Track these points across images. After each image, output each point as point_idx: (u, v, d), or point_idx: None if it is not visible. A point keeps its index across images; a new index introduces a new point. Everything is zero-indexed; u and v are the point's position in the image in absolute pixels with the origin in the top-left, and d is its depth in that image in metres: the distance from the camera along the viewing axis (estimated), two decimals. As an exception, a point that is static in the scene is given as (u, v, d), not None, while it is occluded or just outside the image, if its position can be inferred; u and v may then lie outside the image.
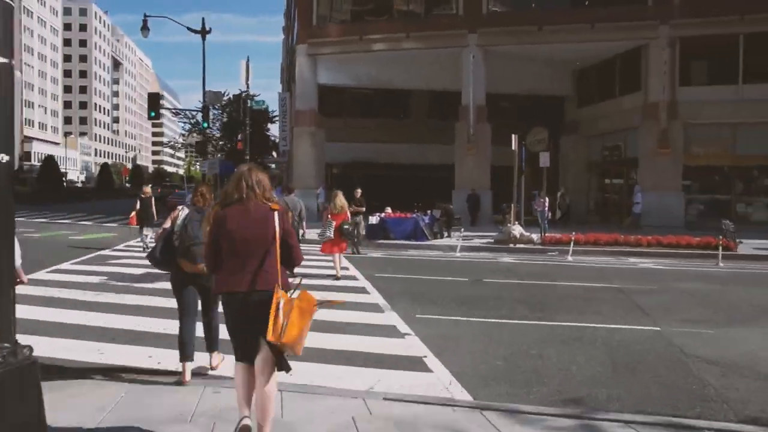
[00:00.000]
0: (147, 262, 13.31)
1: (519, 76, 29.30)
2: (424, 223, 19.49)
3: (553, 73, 30.14)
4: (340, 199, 12.08)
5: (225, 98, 46.95)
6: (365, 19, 29.11)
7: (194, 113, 40.06)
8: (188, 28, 27.66)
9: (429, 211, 20.95)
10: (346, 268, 13.19)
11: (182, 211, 5.24)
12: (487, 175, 26.33)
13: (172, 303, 9.03)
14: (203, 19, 27.26)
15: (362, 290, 10.37)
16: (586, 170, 31.00)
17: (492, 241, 18.79)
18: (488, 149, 26.19)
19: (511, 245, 18.10)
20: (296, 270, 4.49)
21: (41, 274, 11.18)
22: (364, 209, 16.47)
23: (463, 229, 18.27)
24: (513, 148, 18.91)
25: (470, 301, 9.49)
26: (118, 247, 16.99)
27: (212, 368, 5.59)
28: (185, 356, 5.21)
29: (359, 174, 32.90)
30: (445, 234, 20.25)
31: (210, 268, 3.73)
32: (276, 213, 3.56)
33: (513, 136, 19.02)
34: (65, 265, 12.85)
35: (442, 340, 7.07)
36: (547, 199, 20.42)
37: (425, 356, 6.35)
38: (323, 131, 29.21)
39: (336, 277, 11.35)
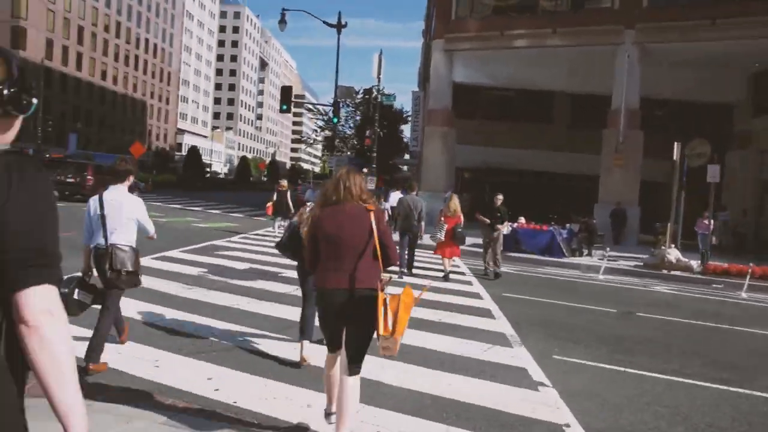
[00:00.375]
0: (253, 257, 12.56)
1: (678, 80, 25.84)
2: (561, 237, 17.25)
3: (721, 76, 26.21)
4: (454, 203, 11.89)
5: (359, 97, 46.98)
6: (508, 14, 27.05)
7: (327, 110, 40.11)
8: (324, 22, 27.23)
9: (567, 225, 18.63)
10: (469, 283, 11.51)
11: (309, 208, 5.44)
12: (636, 188, 23.26)
13: (262, 308, 7.93)
14: (339, 13, 26.66)
15: (487, 313, 8.58)
16: (759, 190, 26.61)
17: (641, 264, 16.16)
18: (639, 160, 23.13)
19: (665, 271, 15.40)
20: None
21: (145, 260, 10.50)
22: (507, 224, 13.04)
23: (609, 249, 15.80)
24: (674, 157, 16.17)
25: (623, 343, 7.40)
26: (233, 239, 16.46)
27: (303, 361, 5.42)
28: (304, 336, 5.48)
29: (491, 180, 31.06)
30: (585, 252, 17.82)
31: (310, 265, 3.85)
32: (372, 213, 3.63)
33: (675, 144, 16.27)
34: (173, 252, 12.25)
35: (590, 398, 5.17)
36: (712, 221, 17.34)
37: (567, 425, 4.51)
38: (456, 132, 27.54)
39: (444, 278, 11.39)
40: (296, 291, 9.13)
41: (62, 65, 67.67)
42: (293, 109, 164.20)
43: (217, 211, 27.49)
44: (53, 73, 64.76)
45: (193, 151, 67.56)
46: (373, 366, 5.17)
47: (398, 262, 12.04)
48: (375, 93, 28.07)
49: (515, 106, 33.12)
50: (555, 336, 7.43)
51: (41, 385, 1.29)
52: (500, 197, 12.40)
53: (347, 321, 3.60)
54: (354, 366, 3.63)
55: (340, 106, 32.23)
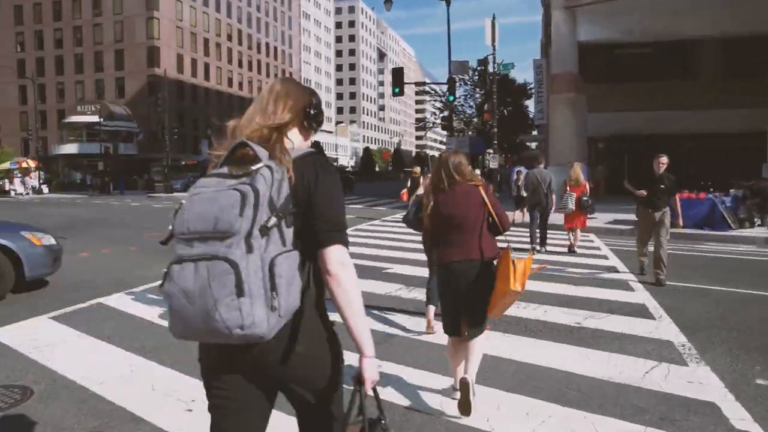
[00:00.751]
0: (360, 251, 11.47)
1: None
2: (723, 206, 14.37)
3: None
4: (576, 170, 11.43)
5: (476, 74, 44.69)
6: (637, -44, 23.68)
7: (444, 90, 38.41)
8: (431, -6, 25.51)
9: (731, 191, 15.60)
10: (614, 269, 9.41)
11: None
12: (819, 141, 19.29)
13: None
14: (447, -18, 24.76)
15: (642, 311, 6.54)
16: None
17: (837, 232, 12.96)
18: (819, 106, 19.15)
19: None
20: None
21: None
22: (679, 193, 9.04)
23: (794, 216, 12.84)
24: None
25: None
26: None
27: (429, 324, 5.73)
28: (431, 302, 5.73)
29: (628, 148, 27.90)
30: (757, 221, 14.75)
31: (428, 246, 4.83)
32: (480, 188, 3.92)
33: None
34: (274, 252, 11.28)
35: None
36: None
37: None
38: (584, 98, 24.69)
39: (570, 249, 11.19)
40: (398, 291, 7.69)
41: (192, 77, 71.67)
42: (415, 96, 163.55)
43: (335, 204, 26.89)
44: (185, 85, 68.75)
45: (316, 146, 68.78)
46: (479, 401, 3.72)
47: (530, 239, 11.50)
48: (490, 62, 25.85)
49: (652, 62, 29.39)
50: (750, 345, 5.27)
51: (341, 315, 1.77)
52: (664, 160, 8.36)
53: (467, 289, 3.82)
54: (476, 329, 3.86)
55: (456, 83, 30.37)
